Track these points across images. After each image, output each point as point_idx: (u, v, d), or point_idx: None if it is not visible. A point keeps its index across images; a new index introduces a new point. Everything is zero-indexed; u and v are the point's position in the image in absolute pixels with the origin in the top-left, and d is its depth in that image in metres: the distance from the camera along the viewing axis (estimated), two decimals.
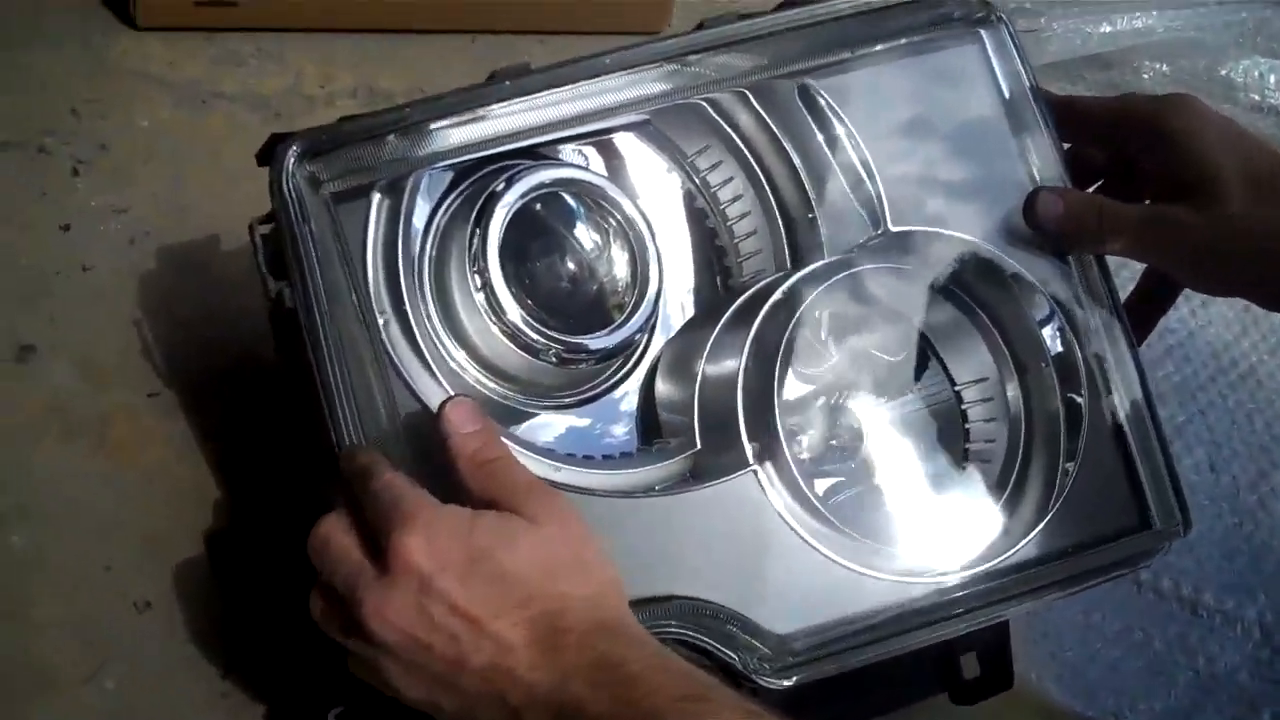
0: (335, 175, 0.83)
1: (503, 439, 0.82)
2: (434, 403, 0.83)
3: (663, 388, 0.94)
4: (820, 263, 0.92)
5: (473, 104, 0.86)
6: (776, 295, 0.90)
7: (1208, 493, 1.27)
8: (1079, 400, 0.92)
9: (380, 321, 0.84)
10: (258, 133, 0.87)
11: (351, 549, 0.75)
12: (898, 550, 0.90)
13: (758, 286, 0.93)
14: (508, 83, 0.85)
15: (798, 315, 0.90)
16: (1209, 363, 1.38)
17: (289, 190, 0.82)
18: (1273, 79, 1.59)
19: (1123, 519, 0.94)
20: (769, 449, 0.88)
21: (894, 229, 0.92)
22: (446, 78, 1.20)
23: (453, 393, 0.84)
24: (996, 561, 0.90)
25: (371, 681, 0.77)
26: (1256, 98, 1.58)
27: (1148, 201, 0.94)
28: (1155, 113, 0.92)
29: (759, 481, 0.87)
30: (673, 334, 0.96)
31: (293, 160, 0.82)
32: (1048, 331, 0.93)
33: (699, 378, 0.91)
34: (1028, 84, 0.95)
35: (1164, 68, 1.58)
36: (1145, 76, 1.58)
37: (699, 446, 0.89)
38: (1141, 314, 1.00)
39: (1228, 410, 1.35)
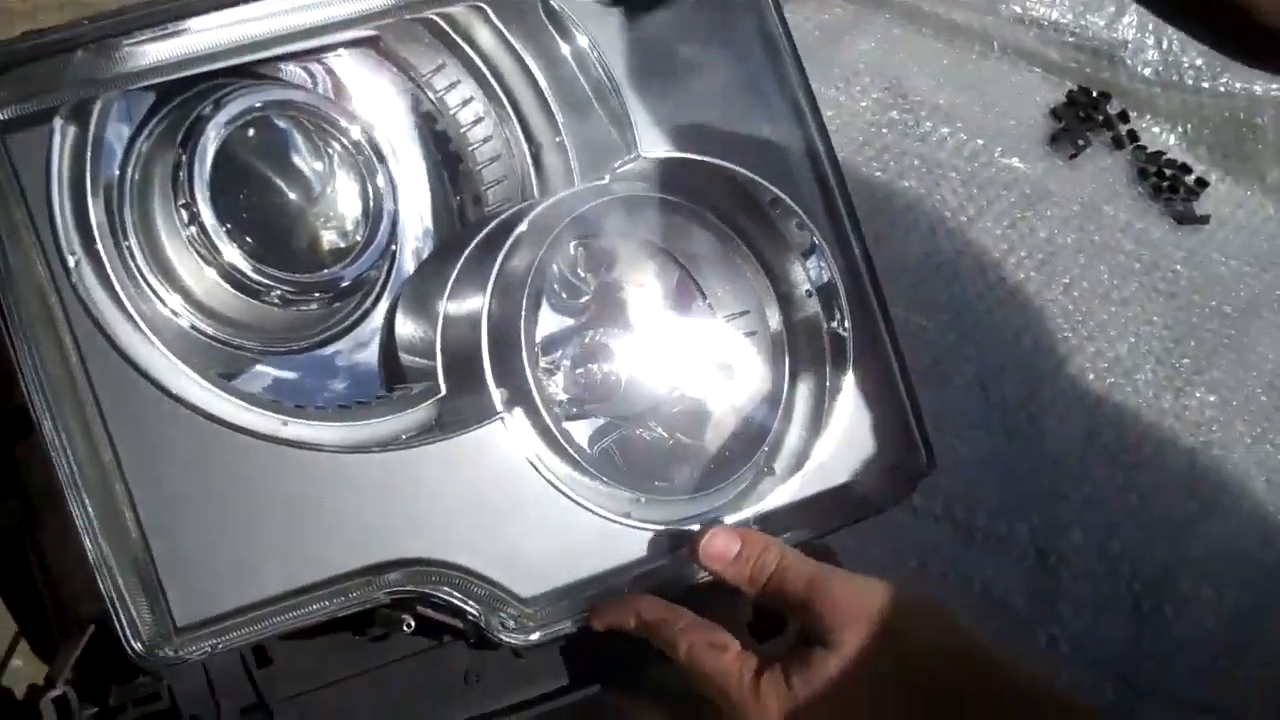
0: (8, 99, 0.73)
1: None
2: (134, 353, 0.74)
3: (403, 328, 0.87)
4: (570, 190, 0.86)
5: (171, 15, 0.76)
6: (522, 226, 0.83)
7: (978, 413, 1.26)
8: (843, 334, 0.88)
9: (71, 262, 0.74)
10: None
11: None
12: (658, 497, 0.85)
13: (503, 216, 0.85)
14: None
15: (544, 246, 0.83)
16: (976, 280, 1.37)
17: None
18: None
19: (883, 456, 0.91)
20: (519, 394, 0.81)
21: (646, 154, 0.86)
22: None
23: (167, 353, 0.75)
24: (760, 506, 0.85)
25: None
26: (1019, 10, 1.57)
27: None
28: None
29: (508, 429, 0.80)
30: (412, 270, 0.88)
31: None
32: (811, 262, 0.89)
33: (441, 317, 0.83)
34: (774, 12, 0.90)
35: None
36: None
37: (443, 392, 0.82)
38: None
39: (995, 327, 1.34)
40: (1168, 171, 1.54)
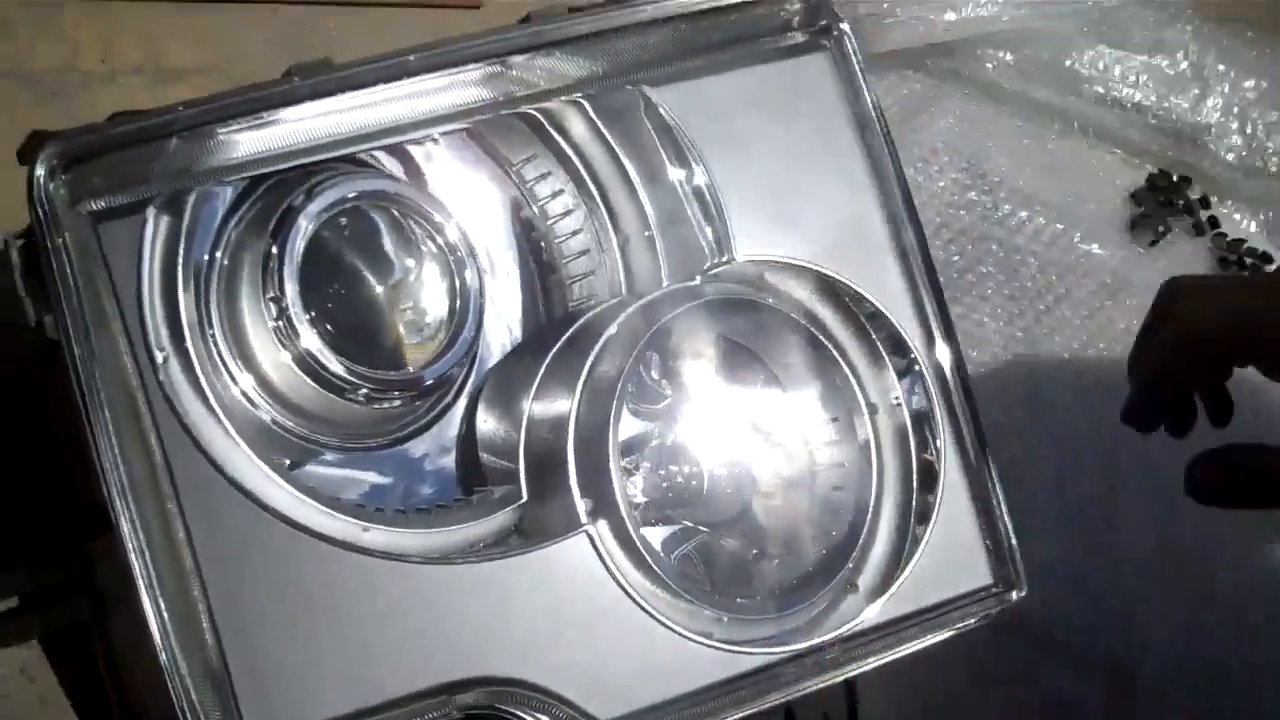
0: (102, 188, 0.72)
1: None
2: (218, 453, 0.72)
3: (484, 426, 0.85)
4: (661, 291, 0.84)
5: (265, 105, 0.74)
6: (611, 329, 0.81)
7: (1054, 515, 1.22)
8: (933, 456, 0.86)
9: (159, 358, 0.73)
10: (29, 116, 0.75)
11: None
12: (741, 616, 0.82)
13: (590, 315, 0.83)
14: (303, 82, 0.75)
15: (635, 353, 0.81)
16: (1054, 373, 1.33)
17: (42, 205, 0.70)
18: (1118, 70, 1.55)
19: (971, 578, 0.88)
20: (603, 503, 0.79)
21: (741, 256, 0.83)
22: (246, 55, 1.08)
23: (251, 454, 0.73)
24: (843, 630, 0.82)
25: None
26: (1100, 90, 1.53)
27: None
28: None
29: (593, 542, 0.78)
30: (494, 365, 0.86)
31: (46, 169, 0.70)
32: (906, 382, 0.86)
33: (525, 418, 0.81)
34: (870, 103, 0.87)
35: (1008, 57, 1.53)
36: (989, 66, 1.52)
37: (524, 498, 0.80)
38: None
39: (1073, 423, 1.30)
40: (1248, 260, 1.50)
